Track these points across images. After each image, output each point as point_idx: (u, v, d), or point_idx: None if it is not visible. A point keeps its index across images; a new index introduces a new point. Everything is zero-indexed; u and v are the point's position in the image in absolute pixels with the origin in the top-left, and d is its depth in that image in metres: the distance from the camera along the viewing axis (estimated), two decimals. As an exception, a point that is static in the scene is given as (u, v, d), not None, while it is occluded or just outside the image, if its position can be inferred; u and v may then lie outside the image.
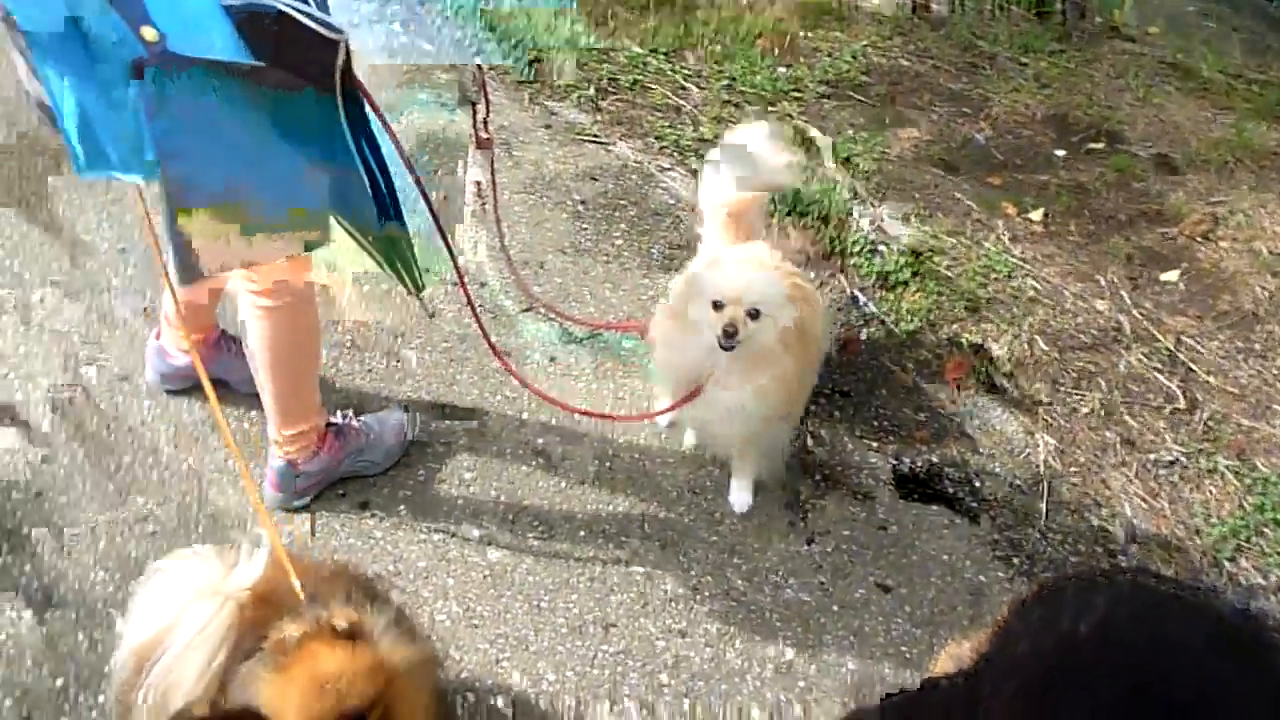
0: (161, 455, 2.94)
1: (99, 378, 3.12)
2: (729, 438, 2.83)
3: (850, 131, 4.17)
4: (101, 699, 2.46)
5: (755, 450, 2.85)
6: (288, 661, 1.82)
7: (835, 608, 2.72)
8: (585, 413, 3.02)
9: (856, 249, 3.66)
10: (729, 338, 2.46)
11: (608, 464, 3.00)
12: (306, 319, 2.59)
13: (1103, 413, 3.26)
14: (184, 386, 3.10)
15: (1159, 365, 3.41)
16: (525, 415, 3.11)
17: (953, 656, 1.62)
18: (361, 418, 2.94)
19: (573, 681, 2.54)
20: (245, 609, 1.97)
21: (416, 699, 1.93)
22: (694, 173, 3.95)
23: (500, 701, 2.49)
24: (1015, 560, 2.87)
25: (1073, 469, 3.12)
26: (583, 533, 2.84)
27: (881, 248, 3.69)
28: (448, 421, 3.08)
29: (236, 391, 3.08)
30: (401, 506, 2.86)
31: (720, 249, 2.82)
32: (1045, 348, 3.43)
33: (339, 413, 2.91)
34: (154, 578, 2.09)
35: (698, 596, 2.72)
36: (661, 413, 2.94)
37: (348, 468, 2.85)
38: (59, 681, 2.50)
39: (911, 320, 3.45)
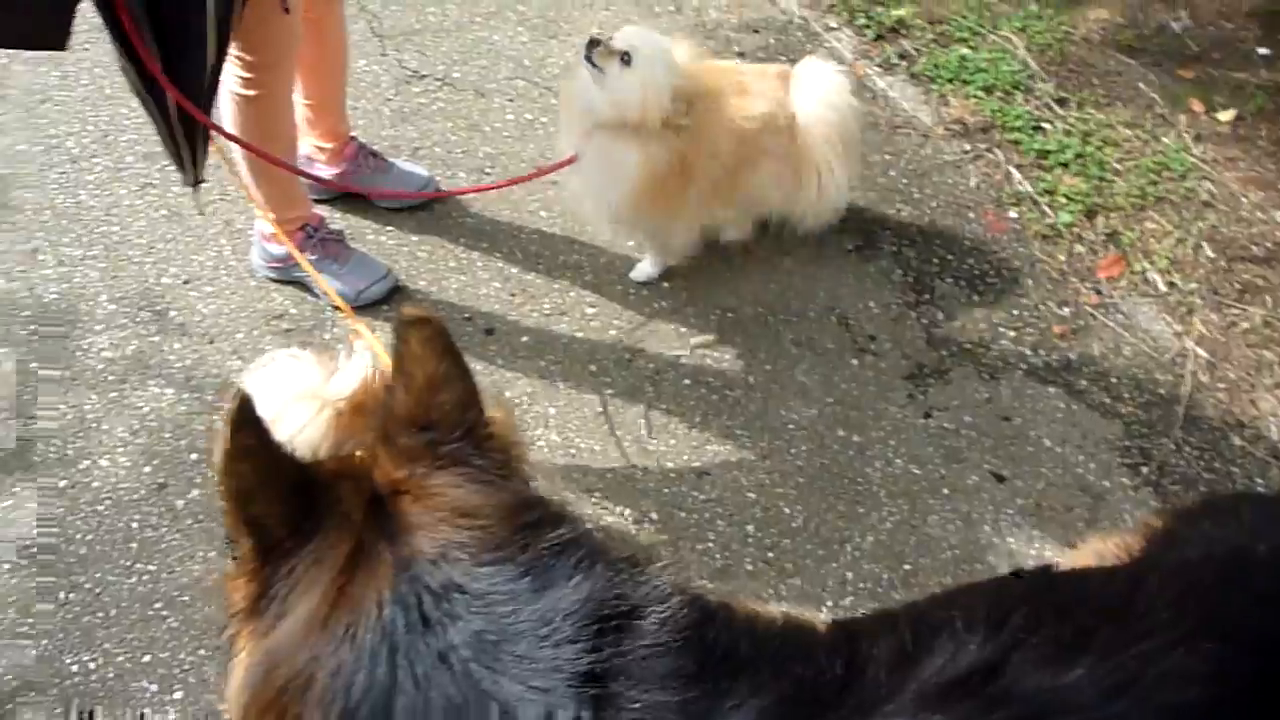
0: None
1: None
2: (599, 214, 2.82)
3: (1034, 7, 3.90)
4: (228, 478, 2.59)
5: (648, 237, 2.93)
6: None
7: (945, 490, 2.67)
8: (487, 188, 3.05)
9: (1018, 123, 3.46)
10: (590, 47, 2.44)
11: (729, 314, 2.97)
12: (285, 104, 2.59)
13: (1264, 330, 3.06)
14: (326, 197, 3.16)
15: (1336, 286, 3.17)
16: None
17: (1096, 552, 1.57)
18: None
19: (662, 521, 2.57)
20: (341, 416, 2.02)
21: None
22: (861, 31, 3.77)
23: (593, 530, 2.54)
24: (1143, 469, 2.75)
25: (1220, 385, 2.95)
26: (687, 381, 2.83)
27: (1046, 126, 3.47)
28: (575, 258, 3.07)
29: (377, 207, 3.14)
30: (525, 337, 2.89)
31: None
32: (1211, 255, 3.21)
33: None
34: (255, 377, 2.16)
35: (800, 455, 2.70)
36: (545, 171, 2.83)
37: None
38: (193, 456, 2.65)
39: (1069, 207, 3.26)
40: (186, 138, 2.28)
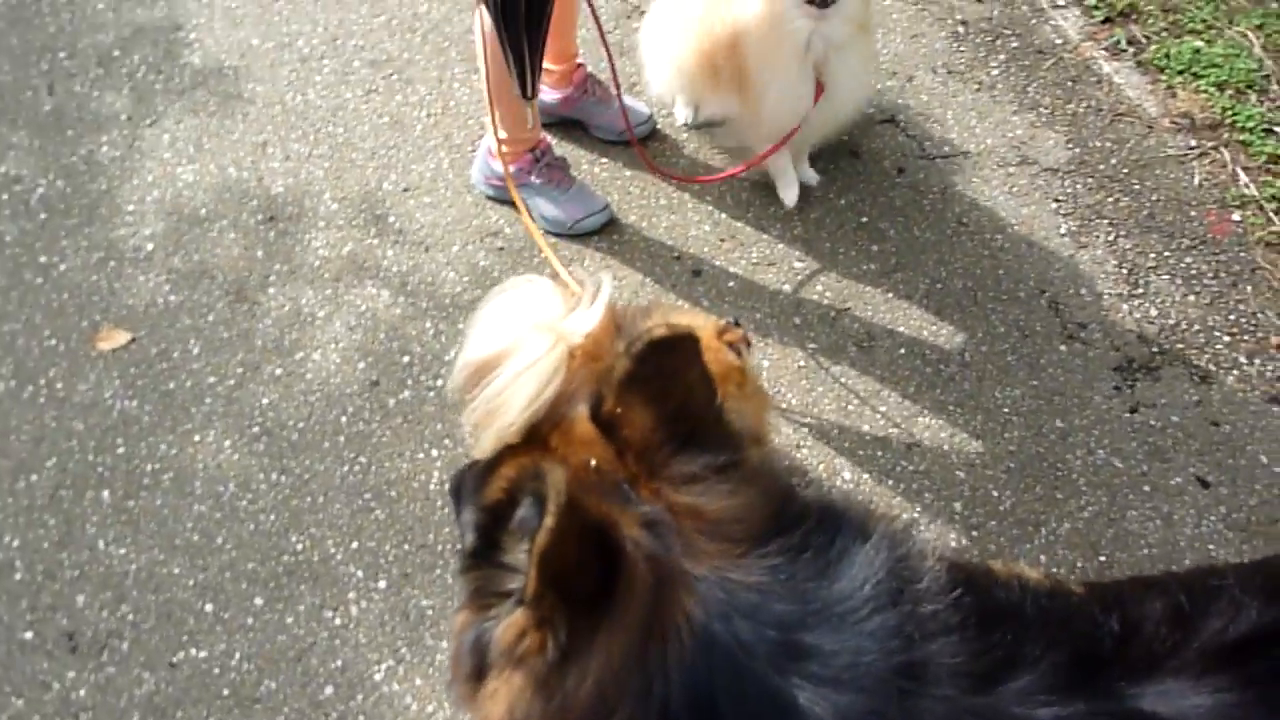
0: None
1: (474, 101, 3.25)
2: (848, 114, 2.87)
3: (1275, 5, 3.73)
4: (439, 382, 2.67)
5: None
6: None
7: (1146, 487, 2.62)
8: (737, 171, 2.95)
9: (1250, 124, 3.33)
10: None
11: (939, 285, 2.94)
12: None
13: None
14: (548, 122, 3.18)
15: None
16: (864, 220, 3.06)
17: None
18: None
19: (866, 487, 2.58)
20: (574, 358, 2.06)
21: None
22: (1090, 13, 3.66)
23: (796, 481, 2.56)
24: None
25: None
26: (903, 350, 2.82)
27: (1279, 129, 3.34)
28: (787, 209, 3.06)
29: (594, 137, 3.17)
30: (730, 282, 2.91)
31: None
32: None
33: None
34: (498, 299, 2.20)
35: (1006, 437, 2.67)
36: (793, 133, 2.74)
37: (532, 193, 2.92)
38: (405, 358, 2.74)
39: (1298, 215, 3.14)
40: (530, 54, 2.33)
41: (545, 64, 2.98)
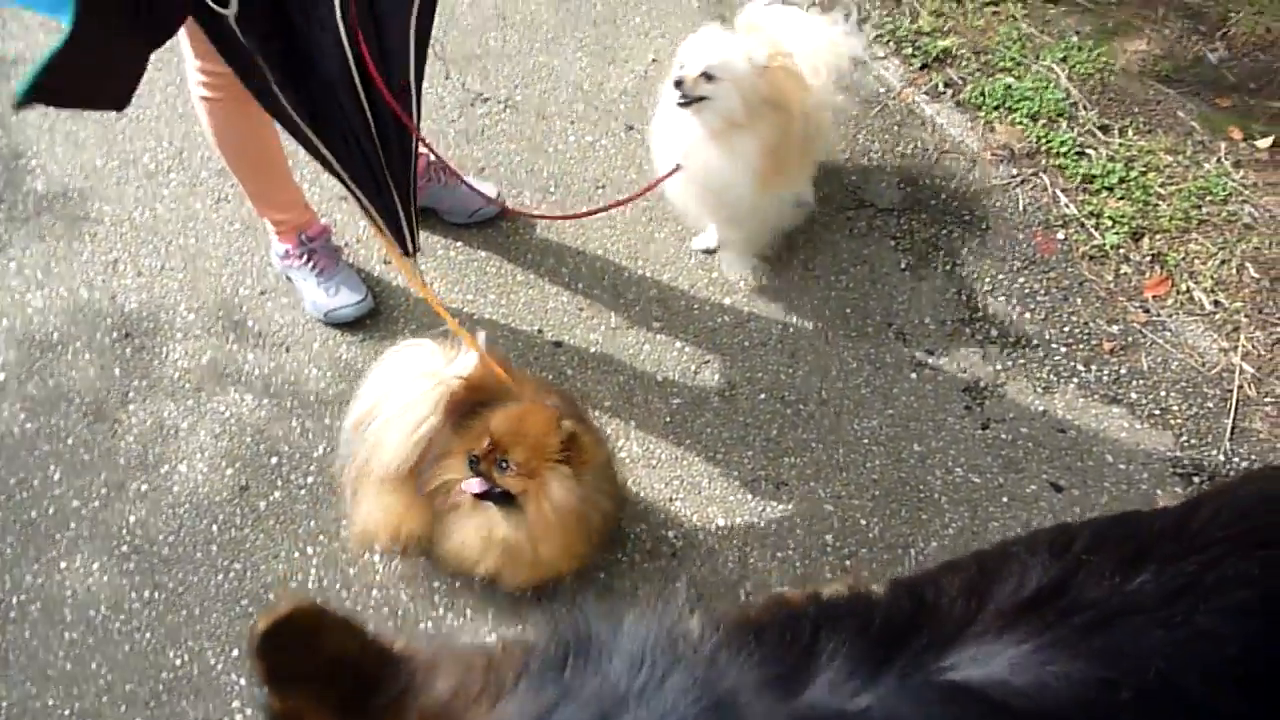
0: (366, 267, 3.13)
1: (317, 195, 3.30)
2: (719, 208, 2.92)
3: (1075, 39, 4.01)
4: (310, 479, 2.68)
5: (754, 222, 3.01)
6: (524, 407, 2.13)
7: (1004, 498, 2.74)
8: (596, 211, 3.02)
9: (1064, 149, 3.56)
10: (678, 87, 2.58)
11: (790, 330, 3.05)
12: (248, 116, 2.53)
13: (1307, 347, 3.14)
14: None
15: (1377, 305, 3.25)
16: (714, 275, 3.18)
17: None
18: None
19: (740, 530, 2.64)
20: (456, 394, 2.18)
21: (549, 525, 2.16)
22: (908, 61, 3.88)
23: (671, 534, 2.62)
24: (1196, 479, 2.82)
25: (1268, 399, 3.03)
26: (763, 395, 2.91)
27: (1090, 151, 3.58)
28: (640, 272, 3.16)
29: (446, 222, 3.23)
30: (592, 348, 2.98)
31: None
32: (1255, 275, 3.30)
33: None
34: (383, 360, 2.29)
35: (868, 466, 2.78)
36: (651, 186, 2.90)
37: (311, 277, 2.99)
38: (273, 459, 2.73)
39: (1114, 229, 3.35)
40: (403, 209, 2.39)
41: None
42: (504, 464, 2.11)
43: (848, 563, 2.60)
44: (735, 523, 2.65)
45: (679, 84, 2.60)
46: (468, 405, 2.21)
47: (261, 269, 3.15)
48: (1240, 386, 3.02)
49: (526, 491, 2.13)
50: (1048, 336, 3.10)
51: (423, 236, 3.17)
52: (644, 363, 2.95)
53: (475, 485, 2.15)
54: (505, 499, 2.15)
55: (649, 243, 3.25)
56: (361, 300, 2.98)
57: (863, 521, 2.68)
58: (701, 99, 2.61)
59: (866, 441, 2.83)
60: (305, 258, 2.97)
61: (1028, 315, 3.14)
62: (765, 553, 2.60)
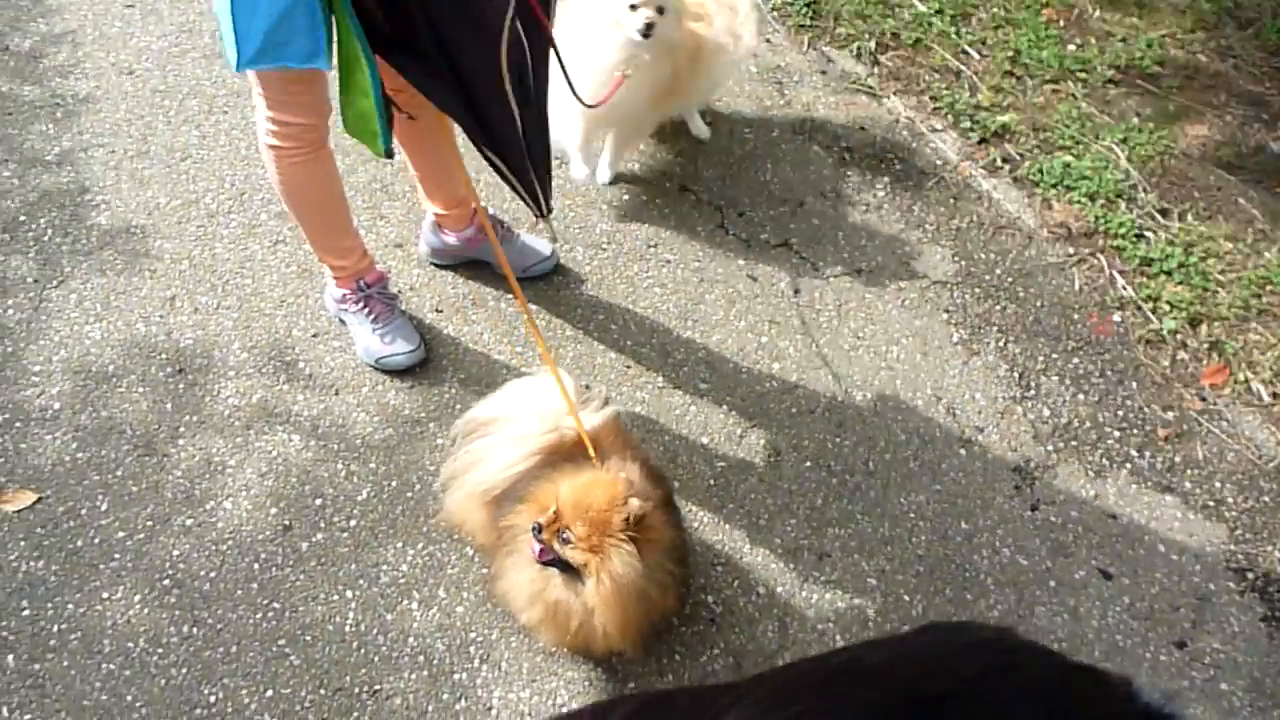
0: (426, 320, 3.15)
1: (374, 242, 3.35)
2: (638, 120, 3.39)
3: (1135, 121, 4.01)
4: (352, 523, 2.68)
5: (641, 136, 3.59)
6: (598, 477, 2.17)
7: (1051, 583, 2.69)
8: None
9: (1122, 231, 3.54)
10: (649, 29, 2.99)
11: (838, 399, 3.03)
12: (314, 165, 2.67)
13: (1368, 444, 3.07)
14: (449, 262, 3.29)
15: None
16: (764, 340, 3.17)
17: None
18: None
19: (781, 599, 2.61)
20: (565, 443, 2.21)
21: (607, 600, 2.16)
22: (966, 135, 3.89)
23: (710, 599, 2.59)
24: (1249, 575, 2.76)
25: None
26: (808, 463, 2.89)
27: (1149, 234, 3.55)
28: (689, 334, 3.16)
29: (499, 274, 3.26)
30: (638, 407, 2.98)
31: None
32: (1315, 367, 3.25)
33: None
34: (521, 381, 2.53)
35: (913, 541, 2.74)
36: (600, 104, 2.96)
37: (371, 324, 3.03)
38: (317, 501, 2.74)
39: (1171, 314, 3.32)
40: (537, 179, 2.48)
41: (437, 209, 3.11)
42: (565, 536, 2.10)
43: (889, 640, 2.55)
44: (776, 592, 2.62)
45: (650, 24, 3.00)
46: (566, 455, 2.23)
47: (315, 312, 3.18)
48: (1298, 481, 2.96)
49: (588, 565, 2.11)
50: (1101, 420, 3.06)
51: (474, 288, 3.20)
52: (689, 424, 2.94)
53: (533, 552, 2.15)
54: (566, 567, 2.14)
55: (699, 304, 3.26)
56: (415, 349, 3.00)
57: (906, 598, 2.63)
58: (651, 27, 3.01)
59: (913, 516, 2.80)
60: (362, 304, 3.00)
61: (1081, 397, 3.11)
62: (805, 624, 2.56)
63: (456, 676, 2.44)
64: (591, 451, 2.23)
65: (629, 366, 3.08)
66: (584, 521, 2.08)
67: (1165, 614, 2.66)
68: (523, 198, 2.49)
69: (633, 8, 3.03)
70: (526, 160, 2.39)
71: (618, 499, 2.07)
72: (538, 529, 2.12)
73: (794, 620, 2.57)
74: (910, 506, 2.81)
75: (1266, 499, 2.93)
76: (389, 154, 2.38)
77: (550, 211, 2.56)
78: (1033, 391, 3.11)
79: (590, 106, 2.79)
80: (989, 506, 2.83)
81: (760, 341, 3.18)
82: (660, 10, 3.05)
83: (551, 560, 2.14)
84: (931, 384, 3.10)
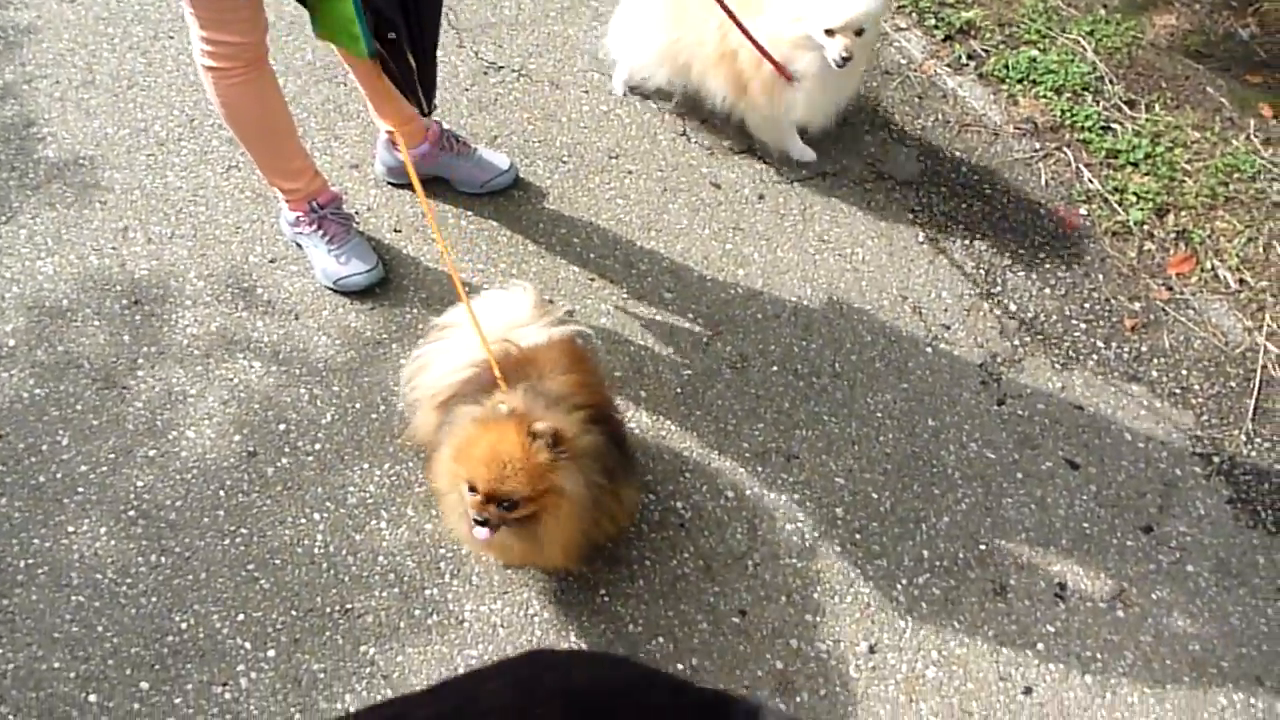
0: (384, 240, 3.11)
1: (330, 164, 3.28)
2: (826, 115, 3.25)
3: (1102, 12, 3.94)
4: (317, 446, 2.66)
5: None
6: (487, 424, 2.03)
7: (1019, 474, 2.70)
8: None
9: (1089, 124, 3.49)
10: (845, 61, 2.85)
11: (804, 302, 3.01)
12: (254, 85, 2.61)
13: (1334, 327, 3.07)
14: (406, 181, 3.22)
15: (1407, 286, 3.18)
16: (728, 247, 3.14)
17: None
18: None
19: (750, 502, 2.61)
20: (511, 356, 2.23)
21: (567, 518, 2.11)
22: (931, 33, 3.82)
23: (680, 505, 2.59)
24: (1215, 460, 2.77)
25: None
26: (775, 368, 2.87)
27: (1115, 126, 3.51)
28: (653, 245, 3.13)
29: (458, 191, 3.20)
30: (603, 319, 2.95)
31: None
32: (1282, 253, 3.23)
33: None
34: (485, 294, 2.51)
35: (881, 440, 2.74)
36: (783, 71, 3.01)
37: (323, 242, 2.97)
38: (281, 426, 2.72)
39: (1138, 205, 3.29)
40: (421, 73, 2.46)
41: (388, 125, 3.04)
42: (508, 503, 2.05)
43: (857, 536, 2.56)
44: (745, 495, 2.61)
45: (848, 57, 2.86)
46: (513, 367, 2.19)
47: (272, 237, 3.13)
48: (1264, 366, 2.96)
49: (539, 512, 2.08)
50: (1068, 313, 3.05)
51: (434, 206, 3.15)
52: (655, 335, 2.92)
53: (484, 534, 2.08)
54: (512, 523, 2.10)
55: (662, 214, 3.22)
56: (372, 269, 2.95)
57: (874, 495, 2.64)
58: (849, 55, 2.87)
59: (880, 416, 2.79)
60: (316, 226, 2.94)
61: (1048, 291, 3.09)
62: (774, 526, 2.57)
63: (428, 592, 2.45)
64: (499, 377, 2.16)
65: (593, 280, 3.05)
66: (513, 480, 2.01)
67: (1132, 501, 2.68)
68: (406, 92, 2.47)
69: (829, 33, 2.84)
70: (410, 51, 2.37)
71: (525, 435, 2.00)
72: (481, 521, 2.05)
73: (763, 522, 2.57)
74: (877, 406, 2.81)
75: (1233, 384, 2.93)
76: (373, 55, 2.33)
77: (433, 110, 2.57)
78: (999, 288, 3.09)
79: (785, 77, 2.94)
80: (956, 402, 2.82)
81: (725, 249, 3.15)
82: (859, 33, 2.85)
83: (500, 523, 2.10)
84: (898, 284, 3.08)
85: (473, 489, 2.04)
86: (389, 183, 3.24)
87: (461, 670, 2.33)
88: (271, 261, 3.08)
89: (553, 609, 2.41)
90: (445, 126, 3.19)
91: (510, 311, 2.38)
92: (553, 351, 2.30)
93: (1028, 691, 2.36)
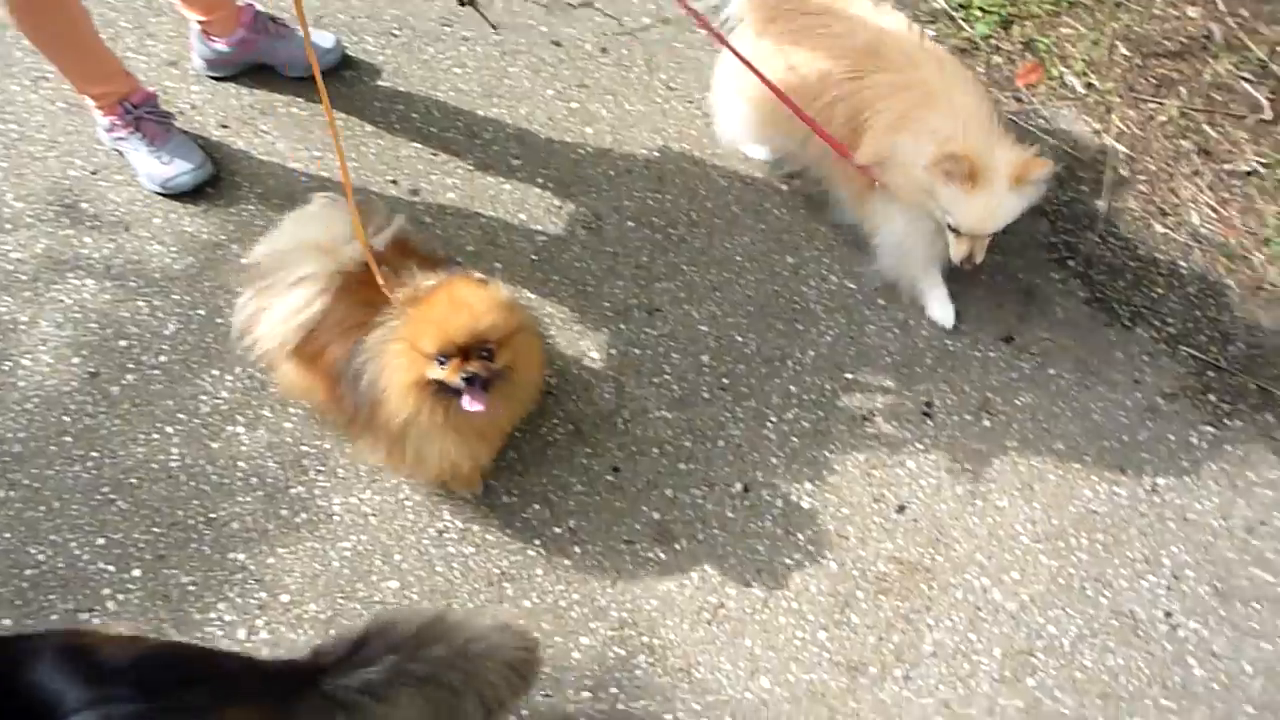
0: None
1: (146, 64, 3.08)
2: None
3: None
4: (163, 359, 2.55)
5: None
6: (426, 296, 1.95)
7: (880, 300, 2.73)
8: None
9: (928, -61, 3.42)
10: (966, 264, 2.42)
11: (656, 154, 2.94)
12: None
13: (1181, 121, 3.10)
14: (229, 72, 3.05)
15: (1248, 75, 3.21)
16: (574, 106, 3.04)
17: None
18: None
19: (615, 360, 2.58)
20: (355, 275, 2.09)
21: (535, 354, 2.08)
22: None
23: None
24: (1071, 263, 2.80)
25: (1141, 177, 3.00)
26: (630, 223, 2.82)
27: (956, -60, 3.44)
28: (495, 111, 3.01)
29: (285, 76, 3.04)
30: (450, 194, 2.85)
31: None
32: (1126, 53, 3.23)
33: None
34: (288, 219, 2.28)
35: (741, 283, 2.72)
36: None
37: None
38: (122, 343, 2.60)
39: (984, 19, 3.25)
40: None
41: (199, 15, 2.85)
42: (486, 352, 1.95)
43: (725, 381, 2.55)
44: (610, 353, 2.58)
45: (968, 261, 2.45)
46: (372, 290, 2.06)
47: (90, 148, 2.94)
48: (1114, 168, 2.98)
49: (517, 353, 2.01)
50: (919, 135, 3.01)
51: (262, 96, 3.00)
52: (505, 203, 2.83)
53: (480, 400, 1.96)
54: (492, 380, 2.00)
55: (502, 78, 3.09)
56: (198, 167, 2.80)
57: (739, 339, 2.62)
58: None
59: (739, 259, 2.76)
60: (133, 128, 2.77)
61: (898, 115, 3.05)
62: (642, 380, 2.54)
63: (294, 491, 2.38)
64: (380, 279, 2.06)
65: (435, 154, 2.93)
66: (487, 324, 1.93)
67: (992, 313, 2.70)
68: None
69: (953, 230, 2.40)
70: None
71: (486, 285, 1.97)
72: (470, 377, 1.93)
73: (630, 378, 2.54)
74: (736, 249, 2.77)
75: (1085, 188, 2.95)
76: None
77: None
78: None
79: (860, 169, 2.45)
80: (814, 236, 2.80)
81: (570, 108, 3.04)
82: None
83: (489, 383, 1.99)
84: (748, 125, 3.01)
85: (444, 357, 1.93)
86: (210, 76, 3.05)
87: (337, 566, 2.29)
88: (93, 173, 2.90)
89: (423, 492, 2.37)
90: (259, 9, 3.00)
91: (333, 226, 2.20)
92: (398, 252, 2.19)
93: (901, 509, 2.40)
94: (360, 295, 2.09)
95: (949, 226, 2.38)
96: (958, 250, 2.40)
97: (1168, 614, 2.31)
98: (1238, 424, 2.59)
